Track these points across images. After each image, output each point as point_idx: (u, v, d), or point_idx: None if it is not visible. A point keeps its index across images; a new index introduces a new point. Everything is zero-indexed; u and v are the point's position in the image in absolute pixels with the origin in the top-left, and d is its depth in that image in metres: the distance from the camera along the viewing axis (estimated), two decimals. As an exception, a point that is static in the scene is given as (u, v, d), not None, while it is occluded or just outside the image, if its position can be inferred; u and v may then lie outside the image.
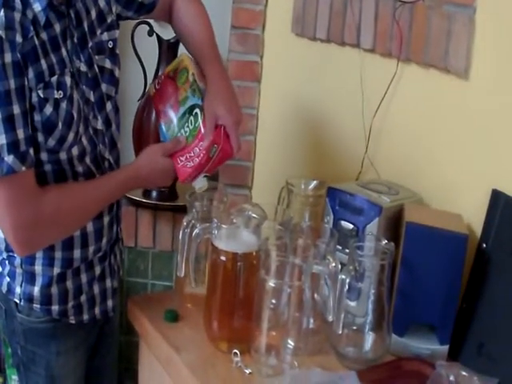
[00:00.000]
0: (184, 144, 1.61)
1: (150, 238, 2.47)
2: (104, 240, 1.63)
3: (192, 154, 1.59)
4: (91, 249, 1.60)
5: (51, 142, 1.44)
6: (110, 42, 1.58)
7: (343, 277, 1.45)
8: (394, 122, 1.83)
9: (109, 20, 1.58)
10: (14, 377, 2.39)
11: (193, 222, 1.66)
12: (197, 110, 1.62)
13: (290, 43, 2.18)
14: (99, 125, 1.58)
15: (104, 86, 1.58)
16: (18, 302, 1.59)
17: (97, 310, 1.67)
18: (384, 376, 1.43)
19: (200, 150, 1.58)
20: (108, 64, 1.59)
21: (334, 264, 1.47)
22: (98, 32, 1.55)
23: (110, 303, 1.70)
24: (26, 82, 1.36)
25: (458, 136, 1.64)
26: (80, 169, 1.52)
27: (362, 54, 1.88)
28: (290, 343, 1.48)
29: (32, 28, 1.36)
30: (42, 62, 1.38)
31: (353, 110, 1.91)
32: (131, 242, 2.46)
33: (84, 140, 1.52)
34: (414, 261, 1.49)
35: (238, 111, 1.64)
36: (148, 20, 2.42)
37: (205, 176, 1.63)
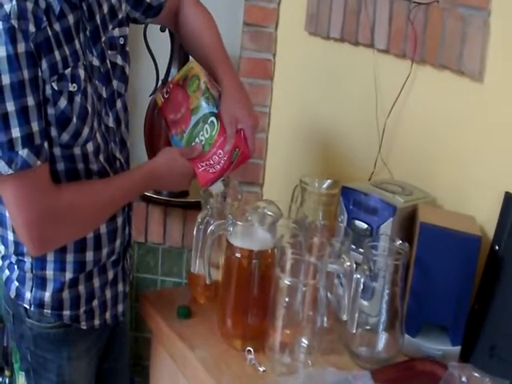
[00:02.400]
0: (200, 152, 1.61)
1: (161, 234, 2.46)
2: (118, 242, 1.61)
3: (212, 162, 1.59)
4: (104, 251, 1.57)
5: (65, 137, 1.41)
6: (121, 38, 1.58)
7: (358, 276, 1.45)
8: (408, 122, 1.84)
9: (120, 16, 1.57)
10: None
11: (207, 218, 1.66)
12: (212, 119, 1.62)
13: (303, 42, 2.18)
14: (110, 122, 1.55)
15: (115, 83, 1.56)
16: (27, 307, 1.55)
17: (107, 315, 1.65)
18: (397, 376, 1.44)
19: (220, 157, 1.58)
20: (119, 60, 1.57)
21: (348, 263, 1.48)
22: (110, 27, 1.54)
23: (120, 308, 1.67)
24: (40, 73, 1.33)
25: (472, 138, 1.65)
26: (94, 167, 1.50)
27: (376, 54, 1.89)
28: (304, 342, 1.47)
29: (45, 18, 1.33)
30: (56, 53, 1.36)
31: (366, 110, 1.92)
32: (141, 238, 2.46)
33: (98, 136, 1.49)
34: (428, 261, 1.50)
35: (256, 114, 1.65)
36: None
37: (222, 181, 1.65)
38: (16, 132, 1.31)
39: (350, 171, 2.03)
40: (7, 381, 2.52)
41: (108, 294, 1.63)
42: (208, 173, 1.59)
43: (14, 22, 1.28)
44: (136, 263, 2.50)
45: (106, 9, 1.52)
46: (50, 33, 1.35)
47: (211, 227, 1.59)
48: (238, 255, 1.53)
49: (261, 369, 1.47)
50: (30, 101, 1.32)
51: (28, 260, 1.52)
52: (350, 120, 2.05)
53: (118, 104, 1.58)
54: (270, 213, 1.60)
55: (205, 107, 1.63)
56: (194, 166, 1.60)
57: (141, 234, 2.45)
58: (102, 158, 1.52)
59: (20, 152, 1.32)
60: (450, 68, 1.68)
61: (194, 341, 1.58)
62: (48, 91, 1.36)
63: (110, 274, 1.62)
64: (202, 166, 1.60)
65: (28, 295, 1.54)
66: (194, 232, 1.67)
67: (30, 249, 1.43)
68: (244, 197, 1.82)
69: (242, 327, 1.55)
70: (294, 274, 1.45)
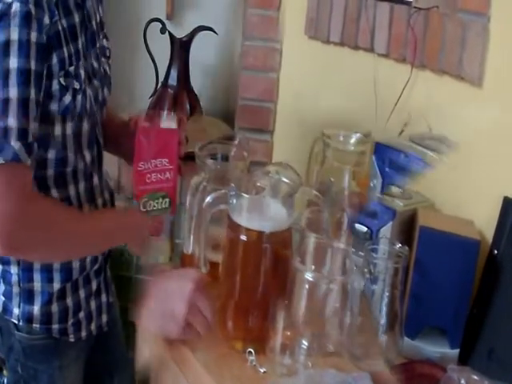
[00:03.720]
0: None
1: None
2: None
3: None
4: (88, 258, 1.56)
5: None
6: (108, 50, 1.59)
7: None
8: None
9: (104, 29, 1.59)
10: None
11: (204, 184, 1.40)
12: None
13: (303, 46, 2.17)
14: (99, 128, 1.57)
15: (106, 91, 1.56)
16: (16, 322, 1.53)
17: (93, 326, 1.64)
18: (396, 378, 1.43)
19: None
20: (108, 70, 1.58)
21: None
22: (101, 36, 1.56)
23: (104, 318, 1.66)
24: (45, 71, 1.31)
25: (470, 143, 1.66)
26: (82, 166, 1.48)
27: (376, 58, 1.90)
28: (304, 343, 1.35)
29: (57, 12, 1.32)
30: (64, 49, 1.35)
31: (366, 114, 1.91)
32: (128, 192, 2.23)
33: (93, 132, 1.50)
34: (427, 265, 1.49)
35: None
36: (160, 17, 2.43)
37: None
38: (13, 122, 1.26)
39: (378, 120, 1.87)
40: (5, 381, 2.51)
41: (92, 304, 1.62)
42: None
43: (32, 8, 1.26)
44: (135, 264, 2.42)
45: (98, 18, 1.53)
46: (59, 27, 1.34)
47: (208, 198, 1.29)
48: (244, 238, 1.23)
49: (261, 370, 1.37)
50: (33, 94, 1.28)
51: (14, 271, 1.50)
52: (349, 123, 1.96)
53: (104, 112, 1.59)
54: (286, 180, 1.28)
55: None
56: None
57: (127, 188, 2.28)
58: (89, 154, 1.50)
59: (13, 143, 1.27)
60: (450, 73, 1.69)
61: (195, 341, 1.45)
62: (55, 86, 1.34)
63: (94, 285, 1.61)
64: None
65: (16, 311, 1.53)
66: (187, 201, 1.42)
67: None
68: (252, 151, 1.51)
69: (243, 327, 1.38)
70: (318, 264, 1.19)
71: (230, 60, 2.55)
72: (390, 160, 1.50)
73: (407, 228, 1.61)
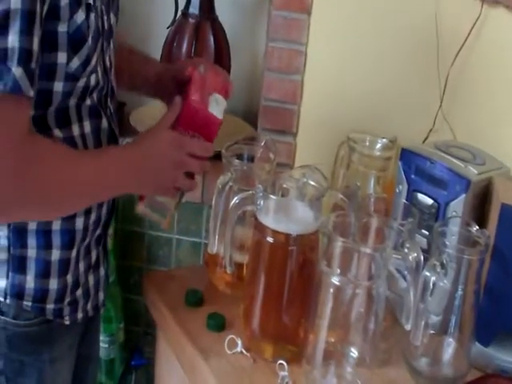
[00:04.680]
0: (180, 102, 1.35)
1: None
2: (104, 208, 1.39)
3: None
4: (92, 216, 1.35)
5: (75, 63, 1.18)
6: None
7: (427, 274, 1.19)
8: (475, 73, 1.68)
9: None
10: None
11: (230, 184, 1.39)
12: None
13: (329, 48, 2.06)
14: (107, 60, 1.35)
15: (112, 17, 1.35)
16: (1, 299, 1.29)
17: (89, 306, 1.44)
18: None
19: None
20: None
21: (415, 254, 1.19)
22: None
23: (101, 296, 1.48)
24: None
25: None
26: (89, 102, 1.27)
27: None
28: (354, 352, 1.23)
29: None
30: None
31: (425, 57, 1.76)
32: None
33: (99, 70, 1.29)
34: (509, 254, 1.26)
35: None
36: None
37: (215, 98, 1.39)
38: (15, 40, 1.03)
39: (404, 126, 1.78)
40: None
41: (91, 280, 1.43)
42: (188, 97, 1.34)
43: None
44: (148, 220, 2.24)
45: None
46: None
47: (235, 199, 1.29)
48: (271, 239, 1.24)
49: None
50: (39, 8, 1.05)
51: (3, 234, 1.25)
52: (404, 66, 1.88)
53: (111, 43, 1.37)
54: (313, 183, 1.28)
55: None
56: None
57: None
58: (95, 97, 1.31)
59: (13, 69, 1.04)
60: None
61: (208, 345, 1.35)
62: (64, 0, 1.11)
63: (93, 255, 1.41)
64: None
65: (3, 283, 1.28)
66: (213, 202, 1.40)
67: None
68: (277, 153, 1.47)
69: (272, 332, 1.31)
70: (344, 268, 1.17)
71: (254, 60, 2.52)
72: (416, 166, 1.42)
73: (479, 203, 1.37)
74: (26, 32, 1.04)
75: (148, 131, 1.34)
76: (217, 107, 1.37)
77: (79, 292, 1.39)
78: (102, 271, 1.47)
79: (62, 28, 1.13)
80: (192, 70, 1.43)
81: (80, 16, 1.14)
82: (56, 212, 1.24)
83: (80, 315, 1.42)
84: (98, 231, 1.41)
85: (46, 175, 1.14)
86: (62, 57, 1.15)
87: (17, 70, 1.04)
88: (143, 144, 1.31)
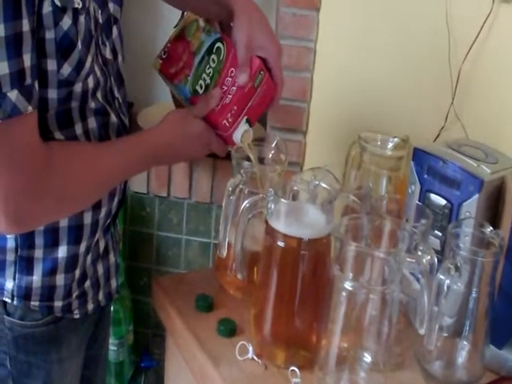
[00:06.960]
0: (219, 96, 1.34)
1: (186, 187, 2.24)
2: (115, 200, 1.37)
3: (225, 88, 1.34)
4: (103, 211, 1.33)
5: (66, 70, 1.15)
6: None
7: (441, 277, 1.17)
8: (488, 69, 1.66)
9: None
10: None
11: (240, 186, 1.38)
12: (218, 44, 1.37)
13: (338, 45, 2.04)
14: (108, 53, 1.31)
15: (111, 6, 1.31)
16: (7, 301, 1.28)
17: (101, 295, 1.41)
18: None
19: (234, 77, 1.34)
20: None
21: (429, 257, 1.17)
22: None
23: (113, 283, 1.45)
24: None
25: None
26: (92, 105, 1.24)
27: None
28: (367, 356, 1.21)
29: None
30: None
31: (436, 54, 1.73)
32: (163, 192, 2.23)
33: (97, 69, 1.25)
34: None
35: (278, 39, 1.40)
36: None
37: (247, 122, 1.36)
38: (4, 67, 1.02)
39: (414, 124, 1.76)
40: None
41: (100, 269, 1.40)
42: (224, 105, 1.33)
43: None
44: (157, 220, 2.33)
45: None
46: None
47: (245, 203, 1.27)
48: (282, 244, 1.22)
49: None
50: (25, 25, 1.03)
51: (11, 235, 1.23)
52: (415, 62, 1.84)
53: (114, 31, 1.34)
54: (325, 185, 1.26)
55: (207, 40, 1.40)
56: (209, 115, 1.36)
57: (163, 187, 2.25)
58: (100, 95, 1.28)
59: (9, 94, 1.04)
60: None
61: (218, 350, 1.34)
62: (47, 8, 1.07)
63: (102, 244, 1.38)
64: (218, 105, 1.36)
65: (9, 285, 1.27)
66: (223, 204, 1.37)
67: (4, 225, 1.13)
68: (288, 153, 1.46)
69: (284, 337, 1.29)
70: (357, 272, 1.15)
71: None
72: (428, 166, 1.40)
73: (493, 204, 1.36)
74: (14, 55, 1.03)
75: (178, 116, 1.35)
76: (240, 131, 1.37)
77: (87, 284, 1.37)
78: (111, 258, 1.44)
79: (49, 35, 1.10)
80: (254, 60, 1.36)
81: (66, 22, 1.12)
82: (73, 213, 1.26)
83: (90, 306, 1.40)
84: (108, 220, 1.39)
85: (62, 186, 1.16)
86: (51, 64, 1.13)
87: (12, 94, 1.04)
88: (174, 131, 1.33)
